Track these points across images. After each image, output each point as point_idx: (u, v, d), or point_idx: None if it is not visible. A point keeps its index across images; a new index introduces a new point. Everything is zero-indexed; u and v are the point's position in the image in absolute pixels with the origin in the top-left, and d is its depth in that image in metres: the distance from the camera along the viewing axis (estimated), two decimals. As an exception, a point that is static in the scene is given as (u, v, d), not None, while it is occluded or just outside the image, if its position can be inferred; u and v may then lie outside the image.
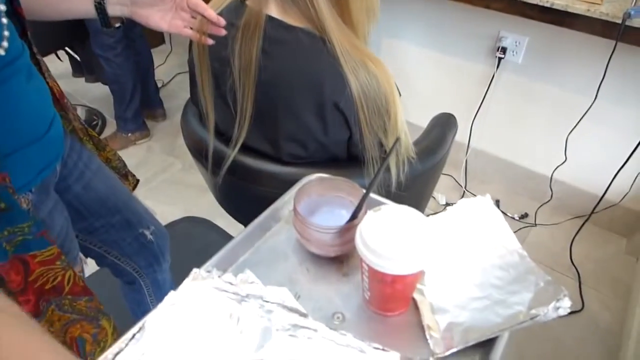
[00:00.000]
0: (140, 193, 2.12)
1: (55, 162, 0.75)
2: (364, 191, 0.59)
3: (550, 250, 1.84)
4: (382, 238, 0.49)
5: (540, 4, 1.48)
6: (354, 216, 0.58)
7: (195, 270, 0.56)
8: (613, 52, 1.43)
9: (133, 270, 1.08)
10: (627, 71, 1.58)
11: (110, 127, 2.56)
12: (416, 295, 0.56)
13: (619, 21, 1.36)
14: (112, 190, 0.94)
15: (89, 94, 2.79)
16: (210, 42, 0.76)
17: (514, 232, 1.90)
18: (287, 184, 0.83)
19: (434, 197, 2.04)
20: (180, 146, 2.34)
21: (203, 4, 0.74)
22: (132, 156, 2.33)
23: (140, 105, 2.34)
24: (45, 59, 0.80)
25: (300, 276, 0.61)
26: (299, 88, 0.77)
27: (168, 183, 2.17)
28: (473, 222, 0.63)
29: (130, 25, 2.22)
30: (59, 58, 2.40)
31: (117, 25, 0.81)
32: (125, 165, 1.02)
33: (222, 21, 0.73)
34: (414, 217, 0.52)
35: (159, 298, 1.19)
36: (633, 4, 1.39)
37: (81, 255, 0.82)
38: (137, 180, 1.06)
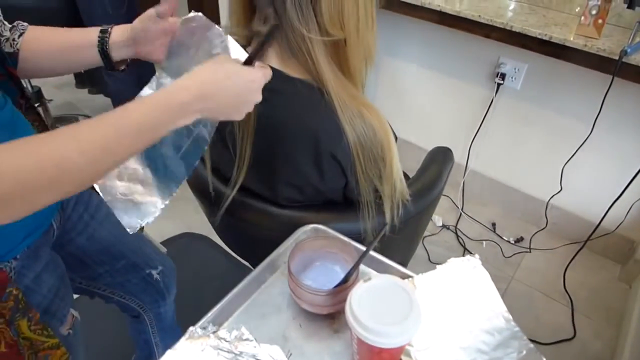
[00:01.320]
0: (140, 207, 2.14)
1: (46, 223, 0.74)
2: (355, 246, 0.61)
3: (544, 276, 1.85)
4: (370, 312, 0.51)
5: (539, 36, 1.50)
6: (346, 279, 0.61)
7: (191, 328, 0.58)
8: (610, 86, 1.45)
9: (138, 306, 1.09)
10: (623, 105, 1.61)
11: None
12: (404, 357, 0.58)
13: (616, 57, 1.38)
14: (119, 237, 0.93)
15: (91, 104, 2.81)
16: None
17: (509, 257, 1.92)
18: (284, 226, 0.86)
19: (431, 219, 2.07)
20: (181, 160, 2.36)
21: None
22: (133, 169, 2.35)
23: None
24: None
25: (293, 332, 0.63)
26: (296, 137, 0.79)
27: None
28: (462, 282, 0.65)
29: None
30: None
31: (122, 68, 0.82)
32: None
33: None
34: (402, 290, 0.54)
35: (161, 328, 1.21)
36: (630, 41, 1.42)
37: (73, 312, 0.79)
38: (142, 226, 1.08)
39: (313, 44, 0.73)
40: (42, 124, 0.78)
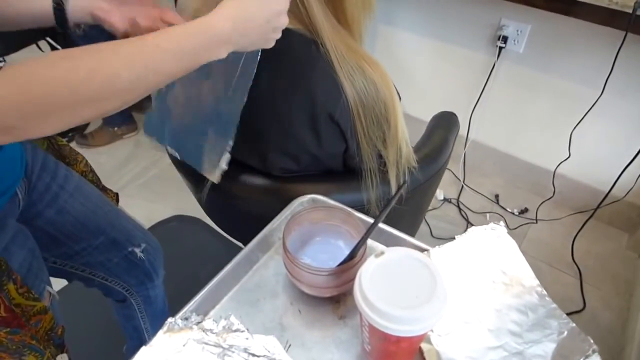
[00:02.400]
0: (128, 191, 2.04)
1: (10, 191, 0.67)
2: (359, 217, 0.52)
3: (550, 247, 1.79)
4: (385, 294, 0.42)
5: (546, -9, 1.40)
6: (352, 255, 0.51)
7: (170, 320, 0.49)
8: (623, 43, 1.35)
9: (123, 289, 1.01)
10: (637, 64, 1.51)
11: (96, 121, 2.46)
12: (423, 344, 0.50)
13: (629, 10, 1.28)
14: (94, 210, 0.86)
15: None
16: None
17: (514, 228, 1.83)
18: (278, 199, 0.77)
19: (432, 192, 1.98)
20: (168, 140, 2.26)
21: (179, 18, 0.68)
22: (119, 151, 2.24)
23: (125, 97, 2.24)
24: (25, 49, 0.70)
25: (292, 319, 0.54)
26: (289, 98, 0.69)
27: (157, 179, 2.09)
28: (485, 254, 0.56)
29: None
30: (39, 48, 2.29)
31: (78, 31, 0.72)
32: (99, 180, 0.94)
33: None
34: (421, 265, 0.45)
35: (151, 313, 1.13)
36: (644, -8, 1.31)
37: (50, 289, 0.74)
38: (116, 194, 0.98)
39: (304, -15, 0.63)
40: None
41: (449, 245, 0.58)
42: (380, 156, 0.76)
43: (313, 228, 0.58)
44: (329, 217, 0.58)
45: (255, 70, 0.66)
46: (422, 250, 0.59)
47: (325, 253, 0.58)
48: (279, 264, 0.59)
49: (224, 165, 0.73)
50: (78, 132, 2.37)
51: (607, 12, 1.34)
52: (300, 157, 0.75)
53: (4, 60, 0.69)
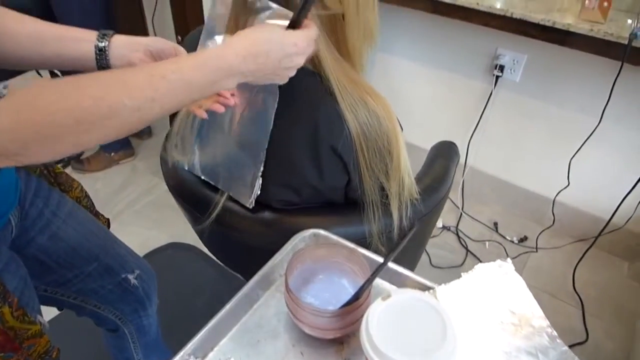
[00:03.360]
0: (124, 217, 2.02)
1: (4, 218, 0.66)
2: (363, 254, 0.50)
3: (551, 276, 1.76)
4: (393, 339, 0.40)
5: (541, 22, 1.42)
6: (357, 296, 0.50)
7: (167, 365, 0.46)
8: (619, 73, 1.37)
9: (115, 317, 0.98)
10: (634, 92, 1.52)
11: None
12: (431, 389, 0.48)
13: (624, 42, 1.30)
14: (87, 236, 0.84)
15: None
16: (205, 115, 0.68)
17: (514, 257, 1.80)
18: (279, 232, 0.75)
19: (431, 220, 1.97)
20: (165, 166, 2.24)
21: None
22: (115, 177, 2.23)
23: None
24: (24, 75, 0.71)
25: (294, 362, 0.52)
26: (291, 130, 0.69)
27: (153, 206, 2.06)
28: (492, 294, 0.55)
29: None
30: (38, 73, 2.30)
31: None
32: (93, 205, 0.93)
33: (229, 95, 0.67)
34: (430, 309, 0.43)
35: (143, 344, 1.10)
36: (637, 24, 1.33)
37: (40, 319, 0.71)
38: (108, 220, 0.96)
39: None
40: None
41: (455, 283, 0.56)
42: (382, 188, 0.75)
43: (315, 266, 0.57)
44: (331, 254, 0.57)
45: (277, 99, 0.67)
46: (428, 288, 0.57)
47: (328, 292, 0.56)
48: (280, 303, 0.57)
49: (257, 189, 0.74)
50: (74, 157, 2.36)
51: (603, 43, 1.36)
52: (301, 189, 0.74)
53: (6, 87, 0.69)
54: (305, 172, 0.71)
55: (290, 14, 0.62)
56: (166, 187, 0.93)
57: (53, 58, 0.68)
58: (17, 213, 0.72)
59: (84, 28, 1.93)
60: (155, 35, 2.88)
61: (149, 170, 2.28)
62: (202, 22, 2.19)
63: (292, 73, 0.61)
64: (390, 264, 0.62)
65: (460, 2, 1.53)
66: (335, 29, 0.67)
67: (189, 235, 1.65)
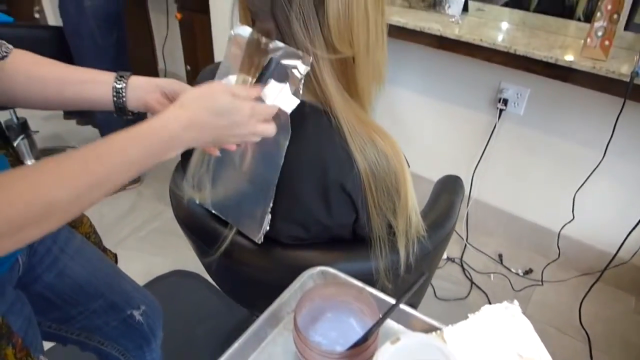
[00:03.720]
0: (129, 243, 2.02)
1: (12, 258, 0.67)
2: (371, 292, 0.51)
3: (556, 310, 1.75)
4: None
5: (544, 59, 1.45)
6: (366, 337, 0.50)
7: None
8: (622, 109, 1.39)
9: (119, 353, 0.97)
10: (637, 128, 1.54)
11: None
12: None
13: (626, 79, 1.33)
14: (94, 272, 0.84)
15: (79, 136, 2.72)
16: (218, 153, 0.70)
17: (519, 290, 1.79)
18: (287, 268, 0.76)
19: (435, 251, 1.97)
20: (171, 193, 2.26)
21: None
22: (122, 202, 2.24)
23: (131, 150, 2.26)
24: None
25: (302, 403, 0.52)
26: (301, 167, 0.70)
27: (158, 232, 2.07)
28: (500, 336, 0.55)
29: (124, 67, 2.18)
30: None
31: (129, 115, 0.74)
32: (101, 241, 0.94)
33: None
34: (440, 354, 0.43)
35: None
36: (638, 62, 1.36)
37: (43, 358, 0.71)
38: (115, 255, 0.97)
39: (319, 62, 0.65)
40: (14, 157, 0.70)
41: (462, 324, 0.56)
42: (389, 226, 0.76)
43: (324, 304, 0.57)
44: (340, 293, 0.57)
45: (288, 140, 0.68)
46: (435, 329, 0.57)
47: (336, 331, 0.56)
48: (288, 341, 0.58)
49: (266, 226, 0.75)
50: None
51: (605, 80, 1.38)
52: (310, 226, 0.75)
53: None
54: (314, 210, 0.72)
55: (300, 53, 0.64)
56: (171, 214, 0.94)
57: (72, 100, 0.70)
58: (26, 251, 0.73)
59: (97, 59, 2.00)
60: (165, 64, 2.95)
61: (154, 196, 2.30)
62: (211, 53, 2.25)
63: (246, 139, 0.61)
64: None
65: (465, 38, 1.57)
66: (346, 71, 0.69)
67: (193, 263, 1.65)
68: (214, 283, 1.23)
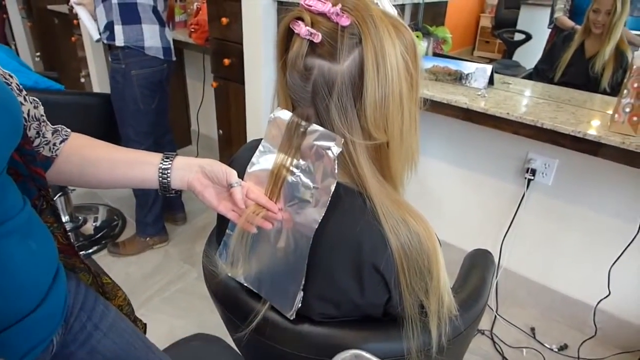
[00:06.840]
0: (153, 304, 2.03)
1: (47, 339, 0.67)
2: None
3: (597, 392, 1.65)
4: None
5: (572, 134, 1.46)
6: None
7: None
8: (654, 185, 1.37)
9: None
10: (669, 203, 1.52)
11: (130, 228, 2.54)
12: None
13: (657, 155, 1.32)
14: (125, 348, 0.84)
15: (111, 194, 2.82)
16: (255, 230, 0.73)
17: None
18: (317, 346, 0.75)
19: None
20: (198, 253, 2.28)
21: (264, 197, 0.72)
22: (148, 261, 2.28)
23: (161, 209, 2.32)
24: None
25: None
26: (334, 247, 0.72)
27: (182, 293, 2.08)
28: None
29: (162, 132, 2.29)
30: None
31: (172, 192, 0.80)
32: (133, 311, 0.95)
33: (277, 210, 0.72)
34: None
35: None
36: (668, 137, 1.36)
37: None
38: (145, 325, 0.98)
39: (355, 147, 0.68)
40: (59, 226, 0.74)
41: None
42: (421, 306, 0.76)
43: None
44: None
45: (317, 225, 0.71)
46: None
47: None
48: None
49: (298, 303, 0.76)
50: (110, 240, 2.44)
51: (635, 155, 1.38)
52: (341, 304, 0.75)
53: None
54: (347, 289, 0.73)
55: (336, 136, 0.68)
56: (196, 275, 0.95)
57: (122, 179, 0.75)
58: (61, 330, 0.73)
59: (137, 122, 2.12)
60: (199, 127, 3.08)
61: (180, 257, 2.32)
62: (243, 119, 2.34)
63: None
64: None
65: (492, 111, 1.60)
66: (380, 156, 0.72)
67: (216, 327, 1.63)
68: (236, 348, 1.21)
